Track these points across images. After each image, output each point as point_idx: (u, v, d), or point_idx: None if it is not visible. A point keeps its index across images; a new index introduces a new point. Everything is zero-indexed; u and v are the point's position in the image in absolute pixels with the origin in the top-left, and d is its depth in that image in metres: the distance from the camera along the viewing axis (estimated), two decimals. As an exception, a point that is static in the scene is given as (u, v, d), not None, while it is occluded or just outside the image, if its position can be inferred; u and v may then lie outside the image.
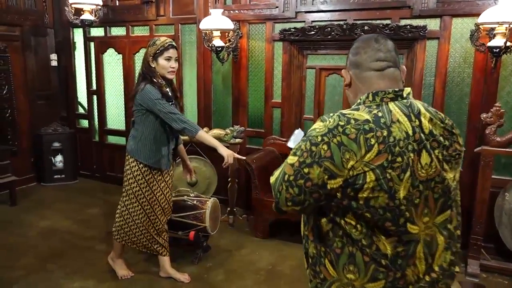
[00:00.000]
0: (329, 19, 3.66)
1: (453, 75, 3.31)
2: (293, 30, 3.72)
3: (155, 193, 2.73)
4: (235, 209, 4.01)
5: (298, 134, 1.41)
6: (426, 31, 3.26)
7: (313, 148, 1.13)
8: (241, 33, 4.00)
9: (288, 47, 3.84)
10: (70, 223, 3.92)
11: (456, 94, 3.32)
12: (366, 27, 3.42)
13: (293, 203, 1.15)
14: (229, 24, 3.72)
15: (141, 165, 2.64)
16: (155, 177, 2.70)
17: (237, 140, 3.87)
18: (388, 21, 3.42)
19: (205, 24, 3.68)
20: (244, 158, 3.05)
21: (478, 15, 2.98)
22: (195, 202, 3.19)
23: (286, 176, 1.15)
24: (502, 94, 3.18)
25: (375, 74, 1.25)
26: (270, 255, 3.33)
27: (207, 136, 2.62)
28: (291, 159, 1.16)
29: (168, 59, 2.53)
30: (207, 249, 3.32)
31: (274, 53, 3.93)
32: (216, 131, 3.89)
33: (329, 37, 3.59)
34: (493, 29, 2.86)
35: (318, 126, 1.17)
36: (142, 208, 2.74)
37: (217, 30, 3.70)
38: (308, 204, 1.14)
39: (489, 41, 2.92)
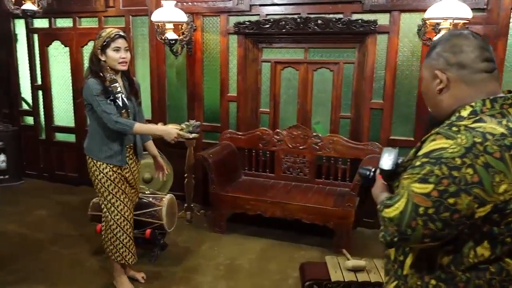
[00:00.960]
0: (283, 12, 3.67)
1: (402, 68, 3.43)
2: (247, 23, 3.71)
3: (119, 186, 2.57)
4: (192, 205, 3.95)
5: (391, 152, 1.24)
6: (377, 26, 3.36)
7: (454, 173, 0.97)
8: (195, 26, 3.92)
9: (243, 41, 3.82)
10: (17, 226, 3.70)
11: (405, 86, 3.45)
12: (319, 21, 3.47)
13: (432, 239, 1.01)
14: (182, 17, 3.63)
15: (98, 162, 2.52)
16: (114, 170, 2.55)
17: (193, 135, 3.78)
18: (340, 16, 3.49)
19: (157, 16, 3.57)
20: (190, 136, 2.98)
21: (424, 10, 3.10)
22: (150, 199, 3.11)
23: (422, 209, 0.99)
24: (447, 87, 3.33)
25: (486, 76, 1.11)
26: (229, 250, 3.32)
27: (144, 126, 2.57)
28: (421, 187, 1.01)
29: (117, 49, 2.41)
30: (164, 247, 3.25)
31: (229, 46, 3.90)
32: (171, 126, 3.79)
33: (284, 30, 3.61)
34: (438, 24, 2.99)
35: (447, 145, 1.01)
36: (113, 207, 2.58)
37: (170, 22, 3.61)
38: (449, 237, 1.02)
39: (435, 35, 3.04)
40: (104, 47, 2.41)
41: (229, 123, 4.05)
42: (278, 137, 3.79)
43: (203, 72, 4.05)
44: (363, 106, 3.57)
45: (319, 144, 3.66)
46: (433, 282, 1.10)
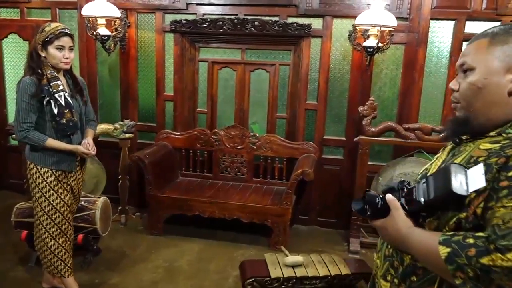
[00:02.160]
0: (220, 12, 3.68)
1: (334, 71, 3.60)
2: (184, 22, 3.66)
3: (62, 197, 2.40)
4: (127, 208, 3.82)
5: (474, 171, 0.90)
6: (311, 30, 3.49)
7: None
8: (129, 23, 3.79)
9: (179, 39, 3.76)
10: None
11: (337, 88, 3.62)
12: (256, 23, 3.52)
13: None
14: (115, 12, 3.49)
15: (43, 169, 2.33)
16: (60, 179, 2.39)
17: (128, 135, 3.68)
18: (276, 18, 3.57)
19: (88, 10, 3.40)
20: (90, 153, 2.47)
21: (354, 17, 3.29)
22: (82, 203, 2.94)
23: None
24: (374, 89, 3.56)
25: None
26: (167, 252, 3.26)
27: (56, 143, 2.31)
28: None
29: (60, 48, 2.24)
30: (97, 252, 3.11)
31: (165, 44, 3.82)
32: (104, 126, 3.65)
33: (221, 30, 3.61)
34: (367, 30, 3.18)
35: None
36: (47, 216, 2.39)
37: (102, 17, 3.45)
38: None
39: (364, 41, 3.24)
40: (45, 43, 2.23)
41: (166, 123, 3.96)
42: (216, 137, 3.79)
43: (138, 70, 3.93)
44: (298, 106, 3.68)
45: (257, 144, 3.72)
46: None
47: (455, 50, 3.34)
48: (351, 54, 3.53)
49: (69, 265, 2.52)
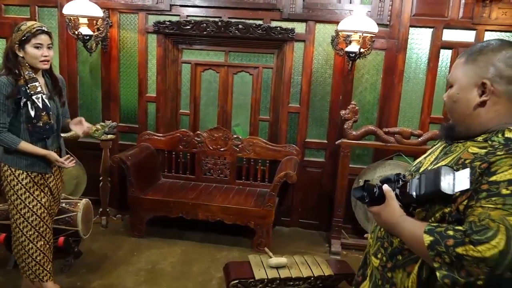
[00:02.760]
0: (204, 14, 3.68)
1: (317, 75, 3.66)
2: (168, 23, 3.65)
3: (39, 199, 2.33)
4: (108, 210, 3.77)
5: (461, 174, 1.03)
6: (294, 34, 3.54)
7: None
8: (111, 22, 3.75)
9: (162, 40, 3.75)
10: None
11: (320, 92, 3.68)
12: (240, 26, 3.55)
13: None
14: (97, 12, 3.45)
15: (17, 171, 2.26)
16: (36, 181, 2.31)
17: (109, 136, 3.64)
18: (260, 22, 3.60)
19: (70, 9, 3.35)
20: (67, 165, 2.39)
21: (337, 22, 3.36)
22: (64, 205, 2.90)
23: None
24: (356, 93, 3.64)
25: None
26: (149, 254, 3.24)
27: (29, 146, 2.23)
28: None
29: (38, 46, 2.17)
30: (78, 255, 3.06)
31: (148, 45, 3.80)
32: (86, 124, 3.59)
33: (205, 32, 3.62)
34: (349, 36, 3.25)
35: None
36: (24, 218, 2.32)
37: (84, 17, 3.40)
38: None
39: (346, 46, 3.30)
40: (22, 42, 2.16)
41: (148, 124, 3.94)
42: (199, 139, 3.79)
43: (119, 70, 3.89)
44: (281, 109, 3.72)
45: (240, 146, 3.74)
46: None
47: (433, 56, 3.46)
48: (333, 59, 3.59)
49: (47, 269, 2.45)
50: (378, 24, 3.31)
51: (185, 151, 3.86)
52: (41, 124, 2.24)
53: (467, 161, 1.06)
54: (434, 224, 1.03)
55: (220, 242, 3.49)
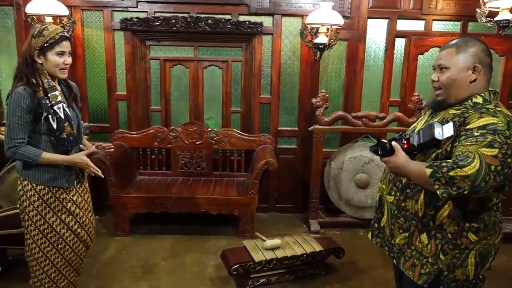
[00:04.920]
0: (171, 10, 3.71)
1: (285, 66, 3.85)
2: (135, 20, 3.63)
3: (59, 215, 2.14)
4: (85, 212, 3.70)
5: (447, 126, 1.50)
6: (263, 28, 3.69)
7: (508, 140, 1.38)
8: (74, 20, 3.64)
9: (130, 38, 3.72)
10: None
11: (289, 82, 3.88)
12: (209, 21, 3.63)
13: (494, 189, 1.39)
14: (63, 10, 3.35)
15: (38, 186, 2.08)
16: (58, 196, 2.13)
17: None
18: (228, 16, 3.70)
19: (34, 8, 3.22)
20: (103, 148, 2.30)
21: (302, 16, 3.56)
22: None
23: (493, 167, 1.35)
24: (322, 82, 3.88)
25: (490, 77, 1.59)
26: (139, 251, 3.26)
27: (53, 156, 2.05)
28: (489, 151, 1.36)
29: (61, 54, 2.02)
30: (67, 259, 3.02)
31: (115, 43, 3.75)
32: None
33: (174, 28, 3.66)
34: (316, 28, 3.46)
35: (496, 120, 1.41)
36: (46, 239, 2.13)
37: (49, 15, 3.29)
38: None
39: (313, 38, 3.51)
40: (44, 49, 1.99)
41: (119, 123, 3.90)
42: (173, 134, 3.83)
43: (86, 70, 3.80)
44: (253, 100, 3.87)
45: (215, 138, 3.84)
46: (467, 225, 1.52)
47: (390, 45, 3.79)
48: (299, 50, 3.80)
49: (60, 286, 2.26)
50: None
51: (160, 147, 3.89)
52: (65, 136, 2.07)
53: (449, 118, 1.54)
54: (431, 162, 1.47)
55: (205, 233, 3.59)
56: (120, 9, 3.68)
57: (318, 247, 2.91)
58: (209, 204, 3.47)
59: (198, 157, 3.91)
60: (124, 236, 3.48)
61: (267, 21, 3.74)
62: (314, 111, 3.61)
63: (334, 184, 3.82)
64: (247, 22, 3.65)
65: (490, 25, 3.32)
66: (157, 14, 3.68)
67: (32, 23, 3.34)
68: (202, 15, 3.65)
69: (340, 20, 3.42)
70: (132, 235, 3.50)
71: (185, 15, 3.65)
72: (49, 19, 3.31)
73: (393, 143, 1.60)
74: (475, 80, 1.54)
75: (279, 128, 3.96)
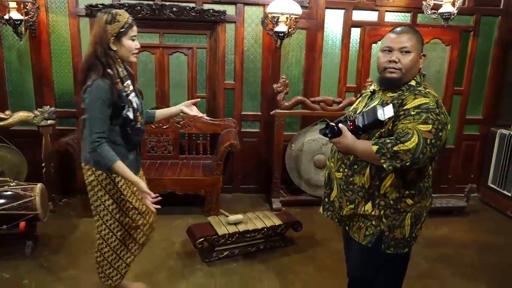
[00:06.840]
0: (136, -3, 3.80)
1: (248, 53, 4.02)
2: (100, 6, 3.69)
3: (130, 199, 2.18)
4: (53, 195, 3.79)
5: (388, 108, 1.66)
6: (226, 16, 3.84)
7: (438, 117, 1.59)
8: (38, 5, 3.67)
9: (96, 24, 3.78)
10: None
11: (252, 69, 4.07)
12: (174, 9, 3.75)
13: (430, 160, 1.64)
14: (27, -5, 3.39)
15: (112, 175, 2.08)
16: (129, 185, 2.15)
17: (49, 122, 3.64)
18: (192, 5, 3.83)
19: (-3, -7, 3.25)
20: None
21: (263, 5, 3.74)
22: (19, 190, 2.94)
23: (429, 140, 1.57)
24: (283, 69, 4.09)
25: None
26: (108, 231, 3.40)
27: (124, 169, 1.95)
28: (424, 127, 1.57)
29: (134, 38, 2.00)
30: (37, 239, 3.12)
31: (81, 29, 3.81)
32: (23, 114, 3.55)
33: (139, 15, 3.74)
34: (277, 17, 3.65)
35: (427, 100, 1.63)
36: (119, 223, 2.20)
37: (13, 1, 3.32)
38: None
39: (274, 27, 3.70)
40: (120, 35, 1.94)
41: (86, 108, 3.97)
42: (140, 119, 3.95)
43: (51, 55, 3.85)
44: (217, 86, 4.04)
45: (181, 122, 3.99)
46: (407, 192, 1.74)
47: (346, 34, 4.04)
48: (261, 38, 3.99)
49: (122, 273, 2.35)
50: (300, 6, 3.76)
51: (128, 132, 3.99)
52: (139, 125, 2.07)
53: (388, 101, 1.72)
54: (376, 140, 1.67)
55: (171, 213, 3.74)
56: (85, -5, 3.74)
57: (277, 221, 3.14)
58: (176, 185, 3.63)
59: (165, 141, 4.05)
60: (92, 217, 3.58)
61: (230, 10, 3.89)
62: (275, 96, 3.82)
63: (295, 165, 4.06)
64: (211, 10, 3.79)
65: (435, 16, 3.62)
66: (122, 1, 3.76)
67: (-4, 8, 3.36)
68: (167, 3, 3.76)
69: (298, 10, 3.62)
70: (101, 216, 3.61)
71: (150, 2, 3.75)
72: (13, 4, 3.35)
73: (340, 125, 1.73)
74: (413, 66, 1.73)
75: (242, 113, 4.15)
